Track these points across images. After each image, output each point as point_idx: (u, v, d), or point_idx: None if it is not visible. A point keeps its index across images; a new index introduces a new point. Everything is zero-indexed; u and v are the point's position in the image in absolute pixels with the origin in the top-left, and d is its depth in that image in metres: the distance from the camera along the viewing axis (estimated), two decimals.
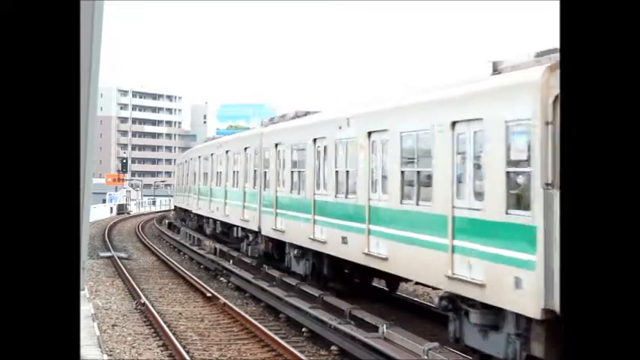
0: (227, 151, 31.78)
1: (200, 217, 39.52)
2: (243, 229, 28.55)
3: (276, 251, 24.45)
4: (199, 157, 39.87)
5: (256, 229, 25.70)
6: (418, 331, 15.20)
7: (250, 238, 27.38)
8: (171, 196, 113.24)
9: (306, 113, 24.02)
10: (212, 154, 35.43)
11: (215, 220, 34.62)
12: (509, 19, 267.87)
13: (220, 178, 33.02)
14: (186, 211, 46.54)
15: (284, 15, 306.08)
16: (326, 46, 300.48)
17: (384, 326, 14.31)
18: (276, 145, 23.86)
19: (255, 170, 26.49)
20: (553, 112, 10.17)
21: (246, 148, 28.11)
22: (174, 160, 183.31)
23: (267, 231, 24.49)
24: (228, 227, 32.00)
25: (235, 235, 30.16)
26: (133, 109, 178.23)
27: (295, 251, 21.93)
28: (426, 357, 12.56)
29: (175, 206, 56.45)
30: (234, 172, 30.20)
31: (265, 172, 24.88)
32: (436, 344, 12.78)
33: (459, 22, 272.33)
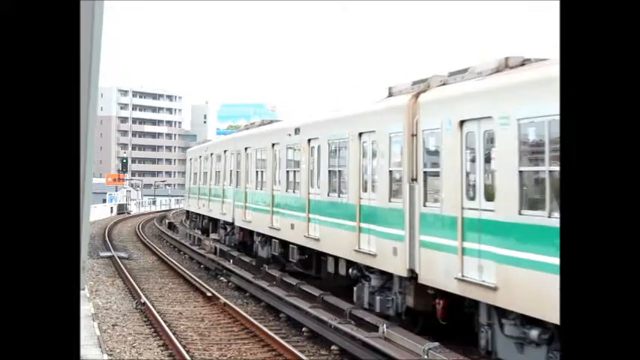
0: (310, 140, 21.07)
1: (246, 232, 29.11)
2: (352, 263, 17.98)
3: (446, 312, 13.90)
4: (245, 149, 28.61)
5: (401, 273, 15.06)
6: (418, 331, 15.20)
7: (375, 282, 16.68)
8: (172, 196, 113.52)
9: (524, 62, 12.46)
10: (274, 145, 24.68)
11: (286, 243, 23.28)
12: (509, 19, 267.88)
13: (294, 180, 22.73)
14: (213, 220, 36.11)
15: (284, 15, 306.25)
16: (325, 46, 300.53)
17: (384, 326, 14.32)
18: (462, 123, 12.87)
19: (391, 172, 15.77)
20: None
21: (361, 134, 17.35)
22: (175, 160, 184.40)
23: (436, 279, 13.82)
24: (309, 254, 21.79)
25: (333, 270, 19.56)
26: (133, 108, 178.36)
27: (533, 332, 10.91)
28: (426, 357, 12.56)
29: (189, 211, 45.23)
30: (330, 172, 19.46)
31: (426, 172, 14.31)
32: (436, 344, 12.78)
33: (458, 21, 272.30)
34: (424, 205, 14.15)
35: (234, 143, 30.82)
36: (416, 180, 14.50)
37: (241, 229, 29.44)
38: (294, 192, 22.42)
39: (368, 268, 16.85)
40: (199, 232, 38.78)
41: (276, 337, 16.03)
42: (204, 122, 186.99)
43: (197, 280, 25.33)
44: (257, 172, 26.70)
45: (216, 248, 31.33)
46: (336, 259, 19.06)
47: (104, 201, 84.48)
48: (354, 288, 17.58)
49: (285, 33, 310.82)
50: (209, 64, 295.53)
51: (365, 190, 17.10)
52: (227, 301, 20.59)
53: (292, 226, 22.09)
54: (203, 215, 38.34)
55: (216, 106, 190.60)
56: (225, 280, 25.67)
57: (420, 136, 14.40)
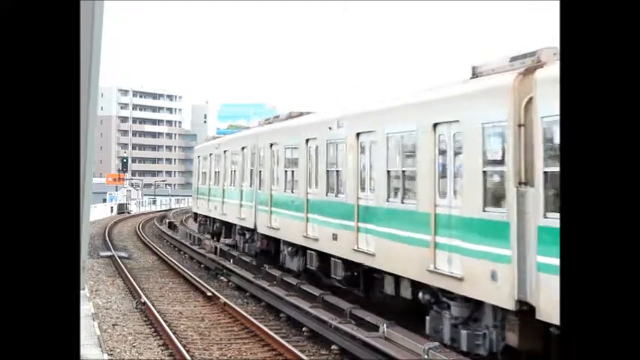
0: (359, 135, 17.17)
1: (271, 240, 25.03)
2: (420, 285, 14.26)
3: None
4: (271, 145, 24.48)
5: (506, 304, 11.56)
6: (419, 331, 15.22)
7: (458, 312, 13.14)
8: (172, 195, 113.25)
9: None
10: (308, 141, 20.63)
11: (326, 256, 19.22)
12: (509, 19, 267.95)
13: (336, 182, 18.64)
14: (226, 224, 32.11)
15: (284, 15, 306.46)
16: (325, 46, 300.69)
17: (385, 326, 14.32)
18: None
19: (485, 173, 12.21)
20: None
21: (437, 125, 13.65)
22: (175, 159, 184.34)
23: None
24: (357, 270, 17.88)
25: (392, 291, 15.79)
26: (133, 108, 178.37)
27: None
28: (426, 357, 12.55)
29: (197, 214, 40.56)
30: (389, 173, 15.53)
31: (547, 174, 10.67)
32: (436, 344, 12.77)
33: (458, 21, 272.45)
34: (545, 217, 10.63)
35: (256, 139, 26.78)
36: (528, 183, 11.15)
37: (264, 236, 25.54)
38: (336, 196, 18.48)
39: (445, 292, 13.36)
40: (209, 237, 35.01)
41: (277, 337, 16.03)
42: (205, 122, 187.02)
43: (197, 279, 25.32)
44: (286, 172, 22.80)
45: (216, 248, 31.28)
46: (397, 278, 15.45)
47: (104, 201, 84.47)
48: (427, 317, 13.89)
49: (285, 33, 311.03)
50: (209, 64, 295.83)
51: (443, 195, 13.36)
52: (227, 301, 20.59)
53: (335, 237, 18.33)
54: (214, 219, 34.67)
55: (216, 105, 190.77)
56: (225, 280, 25.67)
57: (538, 124, 10.79)
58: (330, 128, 18.96)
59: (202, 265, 30.06)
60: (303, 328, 17.06)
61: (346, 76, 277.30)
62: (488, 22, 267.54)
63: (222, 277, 26.19)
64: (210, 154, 35.58)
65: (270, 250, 25.31)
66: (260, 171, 25.83)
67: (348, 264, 17.97)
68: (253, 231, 26.86)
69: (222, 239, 32.93)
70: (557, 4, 4.61)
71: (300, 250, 21.81)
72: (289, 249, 22.74)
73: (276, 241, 24.46)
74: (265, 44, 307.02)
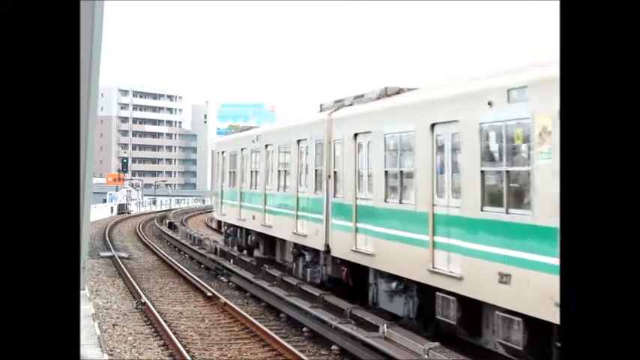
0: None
1: (354, 267, 18.30)
2: None
3: None
4: (355, 136, 17.78)
5: None
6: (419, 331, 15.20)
7: None
8: (172, 196, 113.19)
9: None
10: (435, 126, 14.09)
11: (474, 304, 12.83)
12: (509, 19, 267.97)
13: (504, 189, 11.83)
14: (266, 237, 26.31)
15: (283, 15, 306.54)
16: (324, 46, 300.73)
17: (385, 326, 14.32)
18: None
19: None
20: None
21: None
22: (175, 159, 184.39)
23: None
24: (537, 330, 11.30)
25: None
26: (133, 108, 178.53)
27: None
28: (426, 357, 12.56)
29: (221, 222, 35.11)
30: None
31: None
32: (437, 344, 12.77)
33: (458, 20, 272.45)
34: None
35: (324, 129, 19.78)
36: None
37: (343, 262, 18.84)
38: (507, 212, 11.72)
39: None
40: (236, 249, 29.97)
41: (277, 337, 16.03)
42: (205, 122, 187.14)
43: (197, 279, 25.32)
44: (386, 172, 16.17)
45: (216, 248, 31.29)
46: None
47: (104, 201, 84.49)
48: None
49: (284, 33, 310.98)
50: (209, 64, 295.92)
51: None
52: (227, 301, 20.59)
53: (505, 278, 11.62)
54: (248, 230, 28.36)
55: (216, 105, 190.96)
56: (225, 280, 25.67)
57: None
58: (489, 104, 12.32)
59: (202, 266, 30.06)
60: (304, 328, 17.06)
61: (346, 75, 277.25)
62: (488, 23, 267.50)
63: (222, 277, 26.19)
64: (243, 149, 28.61)
65: (348, 280, 18.99)
66: (335, 172, 19.27)
67: (530, 323, 11.14)
68: (319, 252, 20.42)
69: (255, 253, 28.47)
70: (557, 4, 4.61)
71: (414, 288, 15.19)
72: (392, 284, 15.98)
73: (361, 270, 17.79)
74: (265, 44, 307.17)
